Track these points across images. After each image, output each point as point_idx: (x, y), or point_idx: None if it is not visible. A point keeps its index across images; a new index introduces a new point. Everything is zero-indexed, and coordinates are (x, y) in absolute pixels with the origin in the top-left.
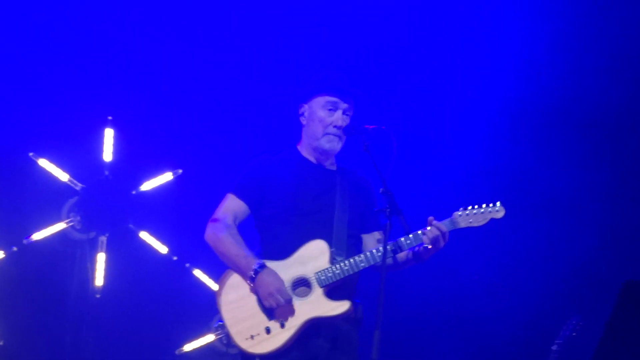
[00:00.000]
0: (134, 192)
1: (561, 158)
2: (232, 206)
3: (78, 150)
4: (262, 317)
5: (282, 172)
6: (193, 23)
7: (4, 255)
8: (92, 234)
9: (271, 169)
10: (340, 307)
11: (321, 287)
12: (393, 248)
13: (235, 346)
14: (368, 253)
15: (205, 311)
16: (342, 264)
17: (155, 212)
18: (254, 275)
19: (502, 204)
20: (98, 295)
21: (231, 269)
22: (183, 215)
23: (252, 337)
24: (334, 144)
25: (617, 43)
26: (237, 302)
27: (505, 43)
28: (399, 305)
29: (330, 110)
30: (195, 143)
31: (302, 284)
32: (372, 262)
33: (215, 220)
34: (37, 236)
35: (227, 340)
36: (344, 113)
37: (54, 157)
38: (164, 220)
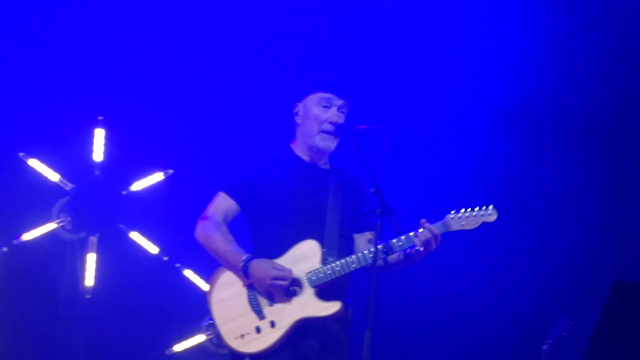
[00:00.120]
0: (124, 192)
1: (551, 158)
2: (222, 204)
3: (68, 150)
4: (253, 316)
5: (274, 171)
6: (184, 23)
7: None
8: (83, 234)
9: (263, 167)
10: (331, 307)
11: (312, 287)
12: (385, 250)
13: (226, 345)
14: (360, 254)
15: (196, 311)
16: (333, 265)
17: (145, 212)
18: (244, 268)
19: (494, 207)
20: (88, 296)
21: (223, 267)
22: (174, 215)
23: (242, 336)
24: (328, 143)
25: (609, 43)
26: (227, 300)
27: (497, 43)
28: (389, 305)
29: (325, 107)
30: (186, 143)
31: (293, 284)
32: (363, 264)
33: (205, 218)
34: (27, 236)
35: (217, 340)
36: (338, 110)
37: (45, 157)
38: (154, 221)
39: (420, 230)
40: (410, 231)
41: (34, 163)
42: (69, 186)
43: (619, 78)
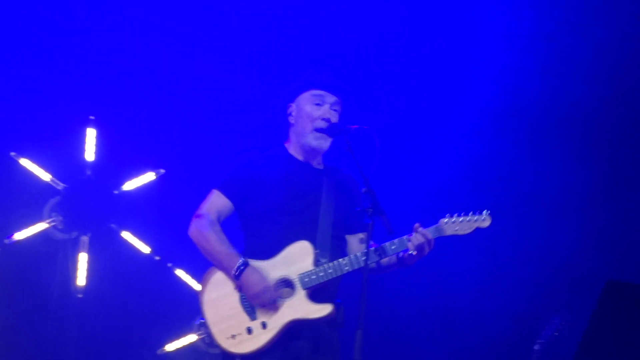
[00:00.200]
0: (116, 192)
1: (543, 159)
2: (216, 203)
3: (60, 150)
4: (244, 316)
5: (268, 170)
6: (175, 24)
7: None
8: (74, 234)
9: (258, 166)
10: (323, 310)
11: (304, 289)
12: (378, 253)
13: (217, 345)
14: (352, 256)
15: (187, 311)
16: (326, 267)
17: (137, 212)
18: (237, 274)
19: (488, 213)
20: (80, 295)
21: (215, 267)
22: (165, 215)
23: (233, 336)
24: (322, 142)
25: (601, 45)
26: (219, 300)
27: (489, 45)
28: (381, 304)
29: (317, 104)
30: (178, 143)
31: (285, 285)
32: (356, 267)
33: (199, 216)
34: (19, 236)
35: (209, 340)
36: (331, 107)
37: (36, 156)
38: (146, 220)
39: (414, 234)
40: (402, 232)
41: (26, 163)
42: (60, 186)
43: (610, 80)
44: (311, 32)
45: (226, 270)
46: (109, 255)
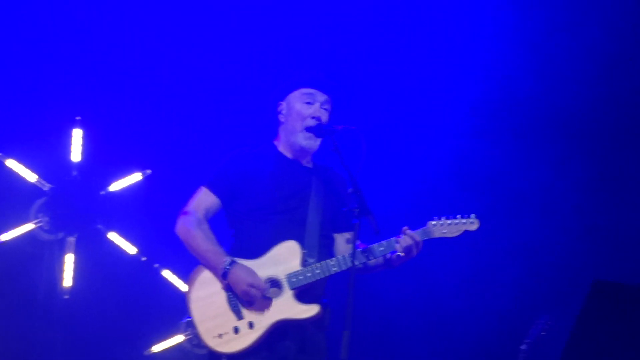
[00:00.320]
0: (102, 193)
1: (530, 159)
2: (204, 200)
3: (46, 150)
4: (231, 316)
5: (257, 168)
6: (162, 23)
7: None
8: (61, 235)
9: (247, 164)
10: (310, 310)
11: (292, 289)
12: (366, 254)
13: (203, 345)
14: (340, 257)
15: (174, 312)
16: (313, 267)
17: (124, 212)
18: (224, 273)
19: (476, 216)
20: (66, 296)
21: (202, 265)
22: (152, 215)
23: (220, 335)
24: (311, 143)
25: (589, 45)
26: (206, 299)
27: (478, 45)
28: (367, 304)
29: (307, 103)
30: (164, 143)
31: (272, 285)
32: (343, 267)
33: (187, 213)
34: (5, 237)
35: (196, 340)
36: (321, 106)
37: (22, 157)
38: (132, 221)
39: (402, 236)
40: (389, 232)
41: (12, 163)
42: (46, 186)
43: (599, 80)
44: (298, 30)
45: (213, 269)
46: (95, 256)
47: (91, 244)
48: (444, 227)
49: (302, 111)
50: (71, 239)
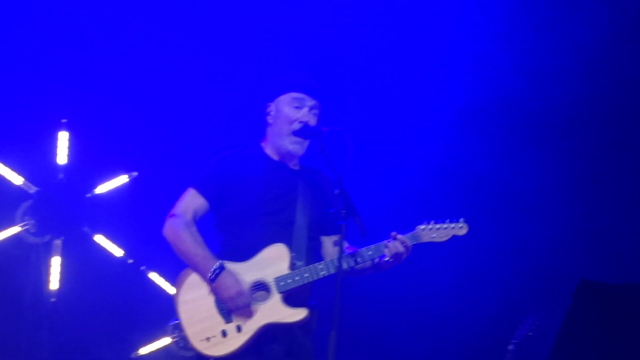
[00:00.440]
0: (88, 195)
1: (518, 159)
2: (192, 202)
3: (32, 153)
4: (219, 319)
5: (245, 170)
6: (147, 24)
7: None
8: (47, 238)
9: (234, 166)
10: (298, 314)
11: (280, 292)
12: (354, 258)
13: (191, 348)
14: (329, 261)
15: (161, 314)
16: (302, 271)
17: (110, 215)
18: (213, 277)
19: (465, 220)
20: (53, 299)
21: (189, 268)
22: (138, 218)
23: (207, 339)
24: (297, 147)
25: (574, 42)
26: (194, 302)
27: (464, 45)
28: (354, 307)
29: (296, 107)
30: (150, 146)
31: (260, 288)
32: (332, 271)
33: (174, 215)
34: None
35: (183, 343)
36: (310, 110)
37: (8, 160)
38: (119, 224)
39: (391, 241)
40: (376, 234)
41: None
42: (33, 189)
43: (586, 80)
44: (284, 31)
45: (201, 273)
46: (82, 259)
47: (78, 247)
48: (433, 232)
49: (291, 115)
50: (58, 242)
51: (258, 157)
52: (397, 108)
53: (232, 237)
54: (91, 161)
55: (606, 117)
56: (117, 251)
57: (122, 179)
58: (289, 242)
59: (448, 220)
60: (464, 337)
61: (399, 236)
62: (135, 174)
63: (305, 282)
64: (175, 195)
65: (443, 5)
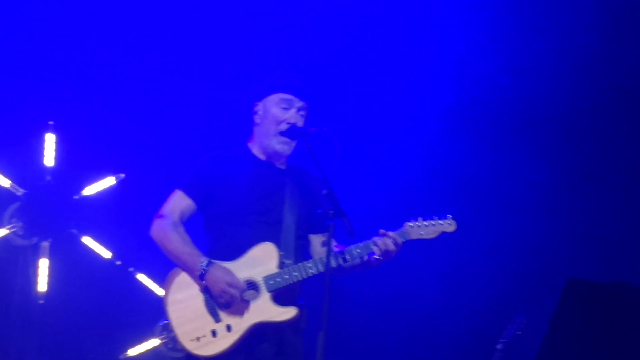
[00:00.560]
0: (76, 197)
1: (506, 158)
2: (179, 203)
3: (19, 155)
4: (209, 318)
5: (232, 170)
6: (133, 27)
7: None
8: (35, 240)
9: (221, 167)
10: (287, 313)
11: (269, 291)
12: (343, 257)
13: (180, 349)
14: (317, 259)
15: (149, 315)
16: (291, 270)
17: (98, 216)
18: (202, 272)
19: (453, 217)
20: (41, 301)
21: (178, 267)
22: (126, 219)
23: (197, 338)
24: (285, 147)
25: (561, 41)
26: (184, 302)
27: (451, 45)
28: (343, 306)
29: (284, 108)
30: (138, 147)
31: (250, 287)
32: (321, 270)
33: (162, 216)
34: None
35: (172, 344)
36: (298, 111)
37: None
38: (106, 225)
39: (380, 238)
40: (365, 233)
41: None
42: (20, 191)
43: (575, 78)
44: (270, 31)
45: (190, 271)
46: (70, 261)
47: (65, 249)
48: (421, 229)
49: (278, 116)
50: (45, 244)
51: (245, 157)
52: (385, 107)
53: (220, 237)
54: (78, 163)
55: (594, 117)
56: (105, 253)
57: (109, 181)
58: (277, 241)
59: (436, 217)
60: (453, 336)
61: (389, 233)
62: (122, 175)
63: (294, 280)
64: (162, 197)
65: (431, 5)
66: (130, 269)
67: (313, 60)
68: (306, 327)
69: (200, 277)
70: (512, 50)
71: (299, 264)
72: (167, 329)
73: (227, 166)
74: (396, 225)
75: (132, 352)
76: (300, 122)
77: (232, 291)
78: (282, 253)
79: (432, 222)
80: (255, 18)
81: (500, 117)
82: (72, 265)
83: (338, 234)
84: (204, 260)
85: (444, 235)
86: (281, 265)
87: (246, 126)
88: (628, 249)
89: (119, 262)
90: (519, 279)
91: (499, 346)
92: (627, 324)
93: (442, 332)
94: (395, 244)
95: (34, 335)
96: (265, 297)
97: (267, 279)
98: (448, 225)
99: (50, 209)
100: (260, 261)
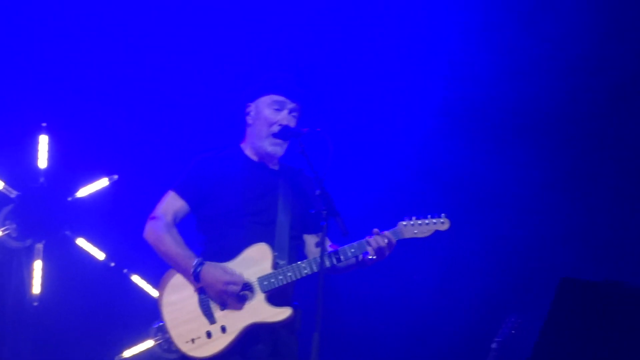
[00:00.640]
0: (69, 199)
1: (498, 157)
2: (172, 204)
3: (12, 157)
4: (204, 320)
5: (225, 171)
6: (126, 27)
7: None
8: (29, 242)
9: (214, 168)
10: (282, 314)
11: (263, 292)
12: (337, 257)
13: (175, 350)
14: (311, 259)
15: (144, 317)
16: (285, 270)
17: (91, 218)
18: (196, 272)
19: (446, 216)
20: (35, 303)
21: (172, 269)
22: (120, 221)
23: (192, 340)
24: (277, 149)
25: (555, 40)
26: (178, 303)
27: (444, 44)
28: (337, 306)
29: (276, 109)
30: (131, 149)
31: (244, 288)
32: (315, 270)
33: (155, 218)
34: None
35: (167, 345)
36: (290, 113)
37: None
38: (100, 227)
39: (374, 237)
40: (359, 233)
41: None
42: (13, 193)
43: (569, 79)
44: (263, 32)
45: (184, 272)
46: (64, 263)
47: (59, 251)
48: (415, 228)
49: (271, 117)
50: (39, 246)
51: (238, 158)
52: (378, 107)
53: (213, 239)
54: (72, 165)
55: (588, 115)
56: (99, 254)
57: (102, 182)
58: (271, 242)
59: (429, 215)
60: (447, 335)
61: (383, 232)
62: (115, 177)
63: (289, 280)
64: (155, 198)
65: (424, 4)
66: (125, 271)
67: (305, 61)
68: (301, 327)
69: (195, 278)
70: (505, 50)
71: (293, 264)
72: (162, 331)
73: (220, 167)
74: (390, 224)
75: (127, 353)
76: (292, 124)
77: (232, 288)
78: (276, 253)
79: (426, 220)
80: (248, 19)
81: (494, 116)
82: (66, 267)
83: (332, 233)
84: (196, 261)
85: (437, 234)
86: (275, 265)
87: (239, 127)
88: (622, 248)
89: (113, 264)
90: (513, 278)
91: (493, 345)
92: (621, 323)
93: (437, 332)
94: (389, 243)
95: (28, 337)
96: (259, 298)
97: (261, 279)
98: (441, 223)
99: (43, 211)
100: (254, 262)
